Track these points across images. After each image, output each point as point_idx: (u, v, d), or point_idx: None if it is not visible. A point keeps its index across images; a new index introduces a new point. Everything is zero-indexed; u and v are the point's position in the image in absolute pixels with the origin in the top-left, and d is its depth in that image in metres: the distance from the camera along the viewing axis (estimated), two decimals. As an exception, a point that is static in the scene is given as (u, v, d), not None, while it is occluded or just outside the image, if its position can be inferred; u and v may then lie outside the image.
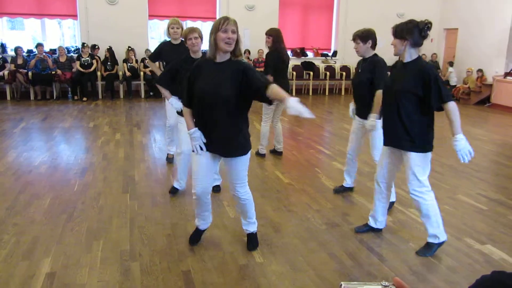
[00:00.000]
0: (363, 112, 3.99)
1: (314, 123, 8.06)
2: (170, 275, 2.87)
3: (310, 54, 12.66)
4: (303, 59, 12.40)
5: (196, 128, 2.88)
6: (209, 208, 3.24)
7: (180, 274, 2.88)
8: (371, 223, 3.54)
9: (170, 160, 5.40)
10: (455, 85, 11.83)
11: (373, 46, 3.93)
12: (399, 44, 3.06)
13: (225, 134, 2.85)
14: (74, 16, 10.73)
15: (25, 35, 11.46)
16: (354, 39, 3.92)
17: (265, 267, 3.00)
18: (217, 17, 11.51)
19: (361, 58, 4.04)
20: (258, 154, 5.76)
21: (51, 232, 3.44)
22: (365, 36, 3.87)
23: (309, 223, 3.73)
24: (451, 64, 12.30)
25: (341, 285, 0.83)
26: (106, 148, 6.01)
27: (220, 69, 2.77)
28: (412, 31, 3.00)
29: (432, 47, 13.17)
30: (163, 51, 4.98)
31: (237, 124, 2.85)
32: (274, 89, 2.56)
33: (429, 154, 3.19)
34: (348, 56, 12.26)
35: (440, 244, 3.23)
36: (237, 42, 2.75)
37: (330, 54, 12.78)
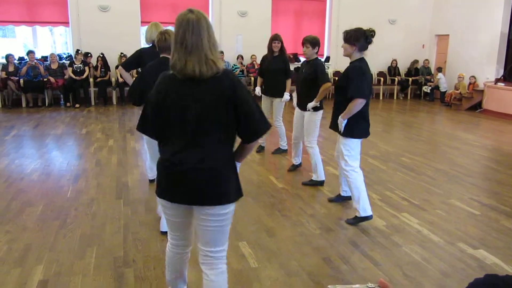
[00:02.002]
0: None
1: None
2: (164, 281, 2.85)
3: (303, 60, 12.71)
4: (296, 64, 12.45)
5: None
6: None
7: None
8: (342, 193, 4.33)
9: None
10: (445, 91, 11.95)
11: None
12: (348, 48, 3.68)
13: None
14: (65, 23, 10.70)
15: (16, 42, 11.41)
16: (303, 44, 4.81)
17: (260, 272, 3.00)
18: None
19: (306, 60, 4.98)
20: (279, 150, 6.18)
21: (43, 239, 3.42)
22: (315, 43, 4.80)
23: (303, 228, 3.74)
24: (439, 70, 12.44)
25: None
26: (99, 154, 5.98)
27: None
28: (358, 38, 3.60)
29: (424, 53, 13.30)
30: (146, 58, 4.33)
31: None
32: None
33: (356, 140, 3.76)
34: (341, 61, 12.32)
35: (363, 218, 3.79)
36: None
37: (322, 59, 12.84)
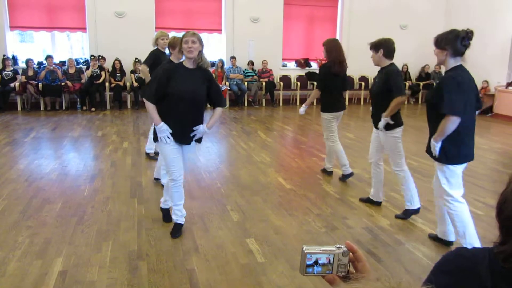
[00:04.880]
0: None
1: (318, 132, 8.21)
2: (176, 273, 3.02)
3: (314, 65, 12.85)
4: (307, 69, 12.60)
5: (163, 122, 3.38)
6: (182, 196, 3.67)
7: (185, 272, 3.03)
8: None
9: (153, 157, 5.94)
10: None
11: (386, 55, 3.97)
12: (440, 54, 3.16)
13: (193, 126, 3.46)
14: (83, 28, 11.03)
15: (34, 47, 11.77)
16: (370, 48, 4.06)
17: (266, 267, 3.14)
18: (223, 29, 11.82)
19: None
20: (344, 177, 5.19)
21: (62, 234, 3.61)
22: (375, 45, 3.98)
23: (309, 226, 3.88)
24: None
25: (303, 247, 1.00)
26: (114, 155, 6.20)
27: (192, 74, 3.40)
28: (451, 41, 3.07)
29: (435, 58, 13.26)
30: (160, 58, 5.49)
31: (202, 118, 3.54)
32: (216, 113, 3.58)
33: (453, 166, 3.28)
34: (350, 66, 12.44)
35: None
36: (200, 51, 3.37)
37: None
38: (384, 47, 3.93)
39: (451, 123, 3.01)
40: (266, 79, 11.69)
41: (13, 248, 3.33)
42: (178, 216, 3.67)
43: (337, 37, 12.88)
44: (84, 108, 10.46)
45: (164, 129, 3.38)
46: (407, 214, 4.08)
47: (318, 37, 12.70)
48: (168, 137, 3.39)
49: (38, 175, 5.23)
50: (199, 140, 3.59)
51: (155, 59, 5.54)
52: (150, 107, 3.40)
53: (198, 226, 3.83)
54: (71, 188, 4.80)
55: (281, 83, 11.98)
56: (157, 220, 3.95)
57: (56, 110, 10.30)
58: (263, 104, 11.88)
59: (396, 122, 3.97)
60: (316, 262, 0.99)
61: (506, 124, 9.76)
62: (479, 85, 11.28)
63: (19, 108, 10.19)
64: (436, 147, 3.14)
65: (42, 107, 10.31)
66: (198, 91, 3.41)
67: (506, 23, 11.07)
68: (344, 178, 5.19)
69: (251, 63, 11.79)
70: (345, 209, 4.33)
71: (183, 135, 3.47)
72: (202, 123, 3.52)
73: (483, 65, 11.68)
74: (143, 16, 11.14)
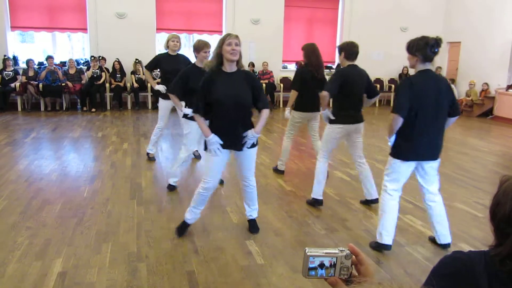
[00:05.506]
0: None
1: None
2: (175, 275, 3.02)
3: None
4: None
5: (213, 134, 3.31)
6: (204, 205, 3.65)
7: (185, 274, 3.03)
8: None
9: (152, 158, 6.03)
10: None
11: (347, 57, 4.21)
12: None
13: (242, 131, 3.35)
14: (84, 29, 11.04)
15: (35, 48, 11.78)
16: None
17: (266, 268, 3.14)
18: (223, 30, 11.82)
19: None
20: (276, 170, 5.55)
21: (62, 235, 3.61)
22: (338, 48, 4.37)
23: (309, 228, 3.88)
24: (452, 81, 12.53)
25: (305, 249, 0.99)
26: (114, 156, 6.20)
27: (234, 77, 3.30)
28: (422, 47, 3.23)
29: (435, 60, 13.30)
30: (161, 62, 5.57)
31: (250, 122, 3.42)
32: (263, 115, 3.43)
33: (394, 160, 3.45)
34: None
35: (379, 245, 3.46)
36: (240, 53, 3.29)
37: (334, 66, 12.98)
38: (345, 50, 4.20)
39: (394, 120, 3.24)
40: (267, 81, 11.70)
41: (13, 249, 3.33)
42: (191, 215, 3.63)
43: (338, 39, 12.92)
44: (85, 108, 10.46)
45: (214, 141, 3.31)
46: (311, 202, 4.42)
47: (319, 39, 12.71)
48: (219, 149, 3.34)
49: (38, 176, 5.23)
50: (253, 145, 3.46)
51: (156, 63, 5.65)
52: (200, 120, 3.36)
53: (198, 227, 3.82)
54: (71, 189, 4.80)
55: (282, 85, 11.99)
56: (156, 222, 3.95)
57: (57, 111, 10.30)
58: (263, 105, 11.86)
59: (336, 119, 4.19)
60: (319, 265, 0.99)
61: (507, 127, 9.77)
62: (479, 88, 11.31)
63: (19, 109, 10.19)
64: (389, 141, 3.41)
65: (42, 108, 10.32)
66: (242, 95, 3.30)
67: (506, 26, 11.08)
68: (275, 171, 5.58)
69: (251, 64, 11.79)
70: (344, 211, 4.33)
71: (233, 141, 3.38)
72: (251, 127, 3.40)
73: (483, 67, 11.69)
74: (144, 17, 11.16)
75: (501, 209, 1.08)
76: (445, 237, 3.52)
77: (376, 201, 4.33)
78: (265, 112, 3.44)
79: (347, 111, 4.19)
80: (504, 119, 10.39)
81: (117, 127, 8.52)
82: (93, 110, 10.33)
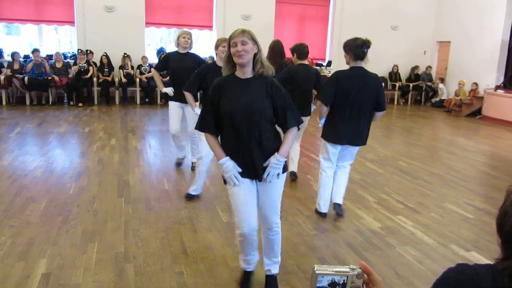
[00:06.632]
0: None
1: (308, 131, 8.17)
2: (163, 276, 2.95)
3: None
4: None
5: (228, 157, 2.57)
6: (256, 246, 2.80)
7: (173, 275, 2.96)
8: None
9: (178, 165, 5.59)
10: (445, 99, 12.13)
11: (298, 57, 4.82)
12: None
13: (261, 155, 2.57)
14: (71, 22, 10.83)
15: (20, 40, 11.54)
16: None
17: (257, 270, 3.07)
18: (214, 26, 11.70)
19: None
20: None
21: (46, 234, 3.51)
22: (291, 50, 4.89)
23: (300, 229, 3.83)
24: (442, 80, 12.63)
25: (314, 267, 0.93)
26: (101, 153, 6.08)
27: (248, 85, 2.56)
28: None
29: (425, 60, 13.40)
30: (171, 61, 5.09)
31: (272, 143, 2.61)
32: (287, 137, 2.61)
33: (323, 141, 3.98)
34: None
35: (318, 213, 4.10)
36: (256, 54, 2.56)
37: (324, 64, 12.96)
38: (296, 51, 4.83)
39: (319, 107, 3.91)
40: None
41: (-5, 249, 3.23)
42: (245, 264, 2.87)
43: (329, 37, 12.90)
44: (71, 103, 10.27)
45: (228, 166, 2.55)
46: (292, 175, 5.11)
47: (310, 36, 12.68)
48: (236, 177, 2.56)
49: (22, 172, 5.09)
50: (277, 175, 2.61)
51: (166, 62, 5.16)
52: (211, 141, 2.63)
53: (187, 227, 3.75)
54: (56, 186, 4.69)
55: (272, 82, 11.91)
56: (144, 221, 3.87)
57: (42, 105, 10.10)
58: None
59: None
60: (328, 284, 0.93)
61: (495, 127, 9.84)
62: (468, 87, 11.38)
63: (4, 103, 9.96)
64: (320, 123, 3.99)
65: (28, 102, 10.11)
66: (255, 107, 2.50)
67: (495, 26, 11.15)
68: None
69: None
70: (335, 211, 4.28)
71: (250, 168, 2.58)
72: (274, 148, 2.59)
73: (472, 67, 11.76)
74: (133, 11, 10.98)
75: (510, 220, 1.02)
76: (335, 198, 4.09)
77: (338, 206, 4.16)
78: (290, 133, 2.61)
79: (303, 105, 4.75)
80: (492, 119, 10.46)
81: (104, 122, 8.37)
82: (80, 104, 10.15)
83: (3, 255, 3.14)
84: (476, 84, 11.25)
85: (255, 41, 2.55)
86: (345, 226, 3.93)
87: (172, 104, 5.14)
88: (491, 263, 1.09)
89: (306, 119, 4.92)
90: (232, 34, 2.51)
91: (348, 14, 12.57)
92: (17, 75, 9.84)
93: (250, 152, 2.55)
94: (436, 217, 4.21)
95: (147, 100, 10.81)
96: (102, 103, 10.64)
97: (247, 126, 2.51)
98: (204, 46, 11.97)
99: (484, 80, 11.34)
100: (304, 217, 4.09)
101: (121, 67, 10.68)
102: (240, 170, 2.57)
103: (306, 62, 4.88)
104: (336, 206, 4.09)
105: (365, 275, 0.97)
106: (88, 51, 10.60)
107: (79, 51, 10.48)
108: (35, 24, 10.84)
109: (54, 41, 11.90)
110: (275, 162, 2.55)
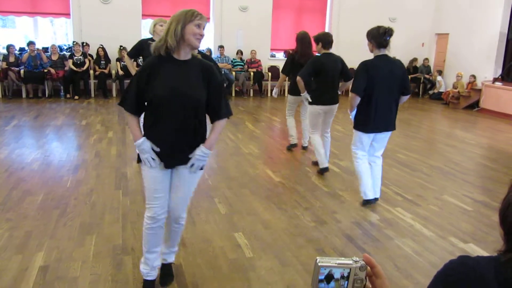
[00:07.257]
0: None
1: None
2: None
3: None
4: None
5: (144, 138, 2.43)
6: (160, 239, 2.66)
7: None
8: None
9: None
10: (443, 92, 12.11)
11: (323, 46, 4.97)
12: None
13: (188, 143, 2.47)
14: (67, 14, 10.73)
15: (16, 33, 11.43)
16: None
17: (255, 262, 3.07)
18: (211, 17, 11.62)
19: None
20: (290, 146, 6.19)
21: (44, 227, 3.49)
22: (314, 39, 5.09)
23: (299, 220, 3.82)
24: (439, 72, 12.61)
25: (316, 259, 0.91)
26: (99, 145, 6.05)
27: (185, 67, 2.42)
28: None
29: (423, 52, 13.36)
30: (145, 48, 4.83)
31: (202, 132, 2.53)
32: (216, 127, 2.52)
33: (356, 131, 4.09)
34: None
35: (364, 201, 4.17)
36: None
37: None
38: (322, 40, 4.96)
39: (352, 99, 3.92)
40: (255, 69, 11.57)
41: (-8, 242, 3.20)
42: (146, 267, 2.67)
43: (326, 29, 12.82)
44: (68, 96, 10.20)
45: (144, 147, 2.41)
46: (320, 171, 5.11)
47: (307, 28, 12.54)
48: (153, 159, 2.43)
49: (19, 165, 5.06)
50: (201, 167, 2.55)
51: (140, 49, 4.97)
52: (130, 119, 2.48)
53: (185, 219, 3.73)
54: (53, 179, 4.66)
55: (269, 74, 11.87)
56: (142, 213, 3.81)
57: (39, 98, 10.04)
58: (251, 94, 11.76)
59: (313, 100, 4.95)
60: (330, 276, 0.91)
61: (493, 119, 9.83)
62: (466, 80, 11.36)
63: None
64: (351, 115, 4.06)
65: (24, 95, 10.04)
66: (191, 92, 2.39)
67: (493, 18, 11.11)
68: (289, 148, 6.19)
69: (240, 52, 11.64)
70: (334, 202, 4.28)
71: (172, 156, 2.47)
72: (201, 139, 2.50)
73: (470, 60, 11.74)
74: (129, 3, 10.89)
75: None
76: (373, 192, 4.15)
77: (326, 169, 5.06)
78: (219, 124, 2.52)
79: (317, 95, 4.94)
80: (490, 112, 10.46)
81: (101, 115, 8.33)
82: (77, 97, 10.08)
83: (0, 248, 3.12)
84: (474, 76, 11.24)
85: None
86: (344, 217, 3.92)
87: None
88: (493, 255, 1.07)
89: (335, 107, 5.07)
90: (199, 15, 2.38)
91: (346, 6, 12.51)
92: (12, 68, 9.77)
93: (173, 140, 2.43)
94: (435, 209, 4.21)
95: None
96: (99, 95, 10.58)
97: (176, 114, 2.39)
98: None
99: (482, 72, 11.32)
100: (302, 209, 4.08)
101: (118, 60, 10.60)
102: (158, 150, 2.43)
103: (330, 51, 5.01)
104: (374, 200, 4.22)
105: (368, 267, 0.95)
106: (84, 44, 10.52)
107: (75, 43, 10.39)
108: (30, 17, 10.73)
109: (49, 33, 11.80)
110: (200, 154, 2.46)
